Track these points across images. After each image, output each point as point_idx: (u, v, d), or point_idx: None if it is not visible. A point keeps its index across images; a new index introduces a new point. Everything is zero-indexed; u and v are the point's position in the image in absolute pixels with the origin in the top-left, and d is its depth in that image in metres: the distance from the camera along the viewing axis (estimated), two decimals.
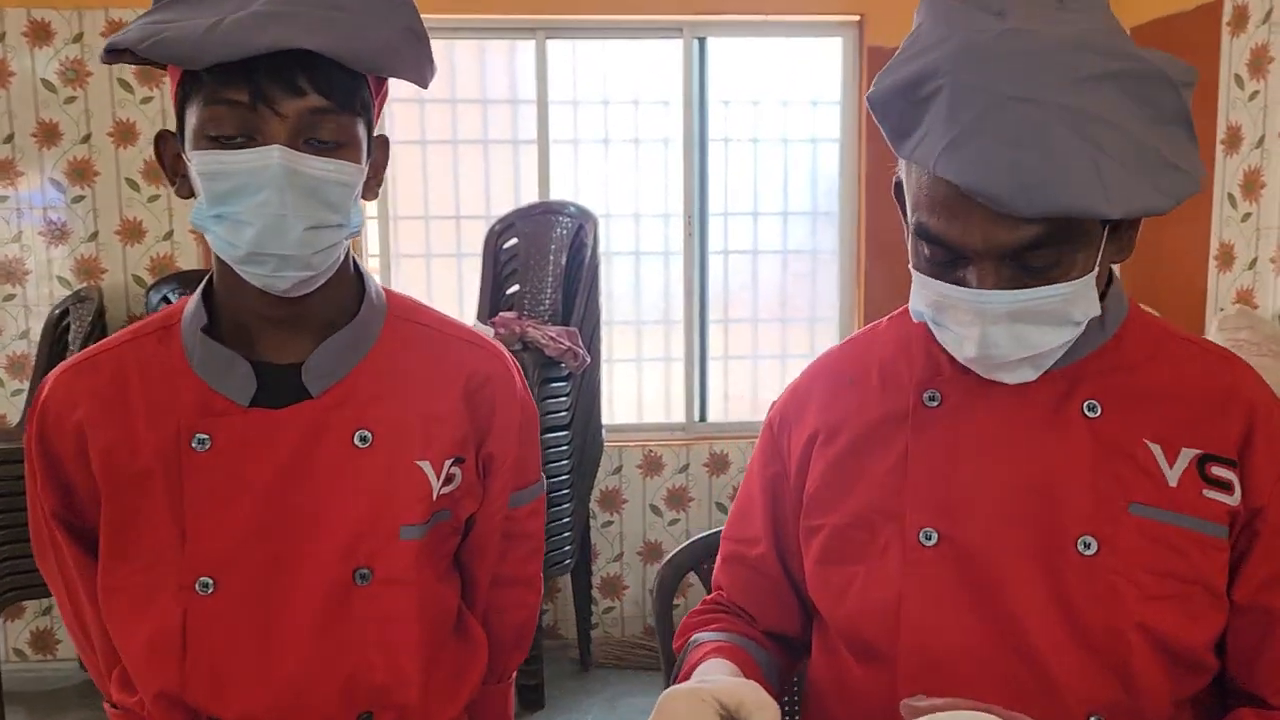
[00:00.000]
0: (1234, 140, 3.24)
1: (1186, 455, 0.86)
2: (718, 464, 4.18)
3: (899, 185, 0.95)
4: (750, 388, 4.38)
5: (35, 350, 3.91)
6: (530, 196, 4.15)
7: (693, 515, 4.23)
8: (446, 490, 1.00)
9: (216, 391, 0.97)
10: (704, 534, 2.36)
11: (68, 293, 3.93)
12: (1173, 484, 0.85)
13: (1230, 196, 3.27)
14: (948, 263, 0.87)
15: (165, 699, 0.96)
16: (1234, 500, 0.85)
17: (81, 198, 3.92)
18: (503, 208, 4.04)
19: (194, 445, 0.96)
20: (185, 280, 3.88)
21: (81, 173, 3.90)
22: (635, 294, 4.31)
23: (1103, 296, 0.91)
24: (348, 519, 0.96)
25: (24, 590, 3.63)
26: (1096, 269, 0.86)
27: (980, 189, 0.79)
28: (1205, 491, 0.85)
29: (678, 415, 4.34)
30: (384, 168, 1.04)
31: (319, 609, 0.96)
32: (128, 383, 1.00)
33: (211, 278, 1.03)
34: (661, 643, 2.34)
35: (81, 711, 3.76)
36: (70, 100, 3.87)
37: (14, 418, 3.94)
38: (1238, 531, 0.86)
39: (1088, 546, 0.85)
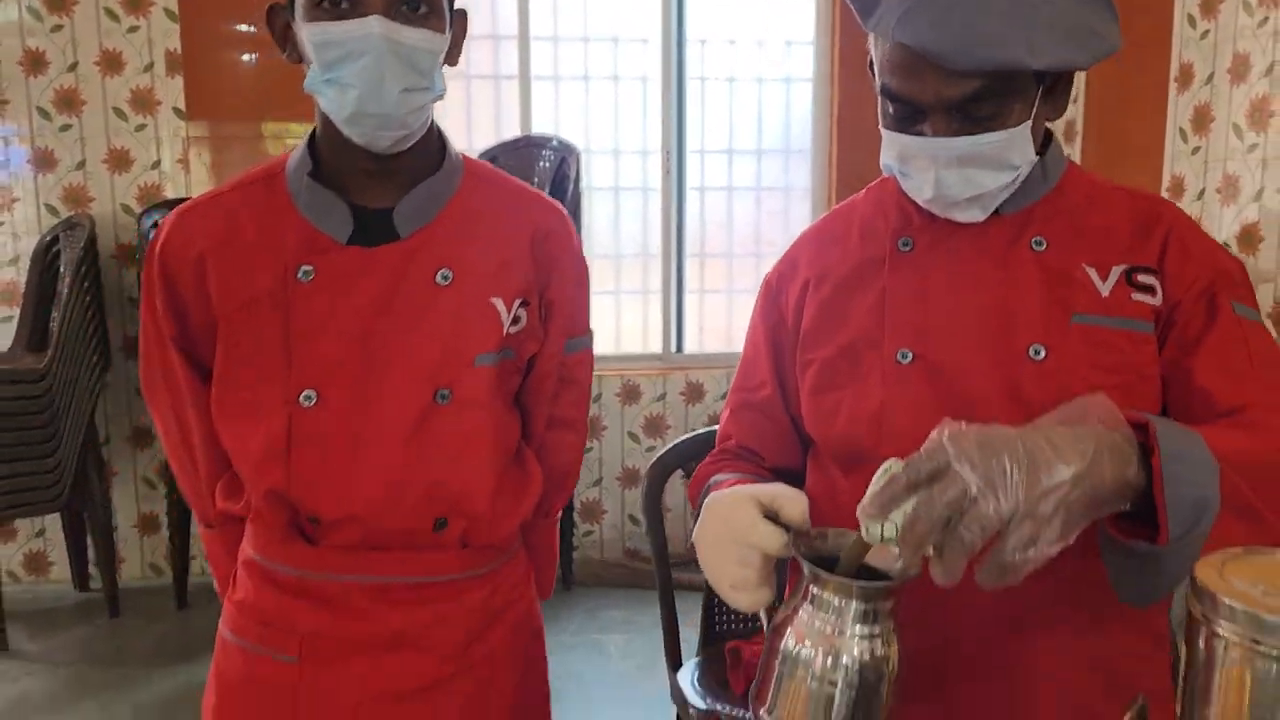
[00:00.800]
0: (1186, 78, 3.42)
1: (1116, 271, 1.03)
2: (693, 393, 4.35)
3: (870, 61, 1.10)
4: (725, 320, 4.55)
5: (24, 278, 3.97)
6: (512, 131, 4.25)
7: (669, 442, 4.40)
8: (514, 330, 1.13)
9: (319, 230, 1.10)
10: (688, 436, 2.53)
11: (55, 220, 3.98)
12: (1106, 294, 1.02)
13: (1181, 131, 3.46)
14: (907, 117, 1.03)
15: (273, 496, 1.09)
16: (1157, 301, 1.02)
17: (69, 126, 3.96)
18: (485, 142, 4.14)
19: (299, 276, 1.09)
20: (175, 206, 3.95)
21: (69, 101, 3.94)
22: (614, 228, 4.44)
23: (1043, 153, 1.08)
24: (430, 346, 1.09)
25: (21, 509, 3.73)
26: (1031, 120, 1.02)
27: (928, 48, 0.95)
28: (1133, 295, 1.02)
29: (655, 346, 4.49)
30: (463, 39, 1.16)
31: (405, 424, 1.09)
32: (240, 223, 1.12)
33: (314, 133, 1.15)
34: (651, 532, 2.50)
35: (81, 628, 3.88)
36: (56, 29, 3.90)
37: (4, 343, 4.00)
38: (1161, 326, 1.02)
39: (1038, 353, 1.01)
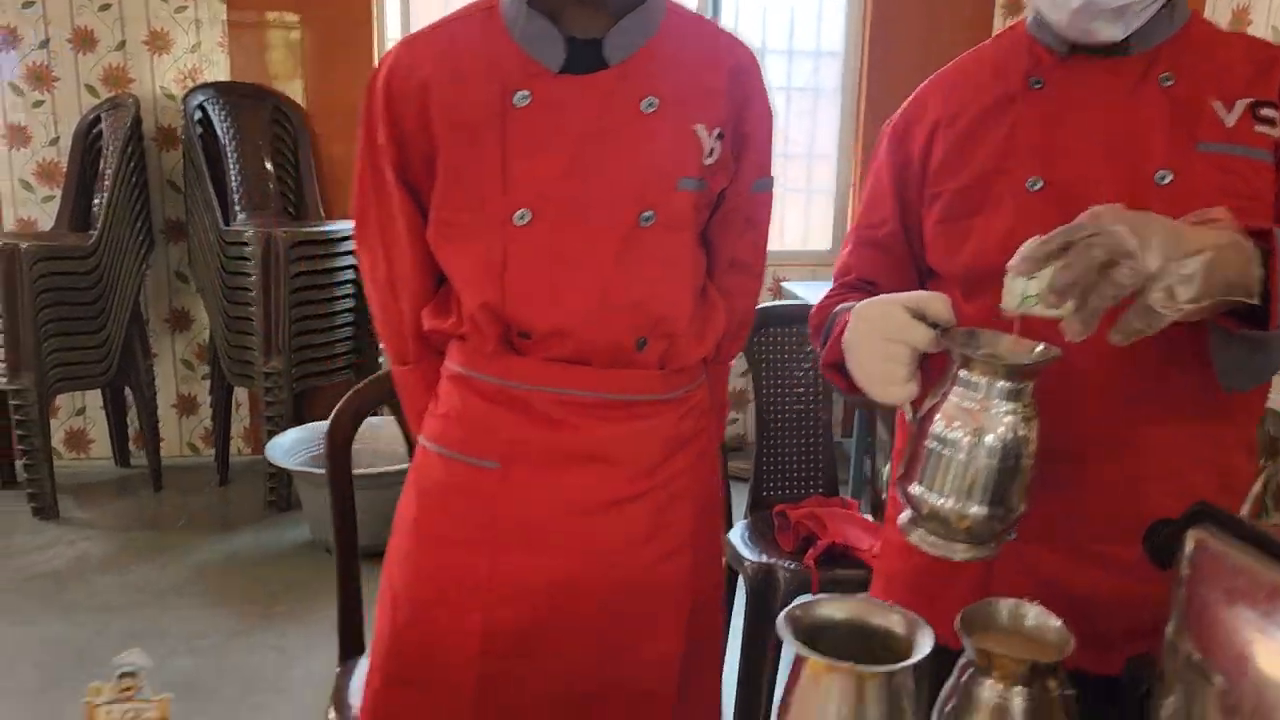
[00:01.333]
0: None
1: (1240, 104, 1.13)
2: None
3: None
4: None
5: (65, 158, 4.01)
6: None
7: None
8: (709, 161, 1.21)
9: (533, 58, 1.17)
10: None
11: (95, 101, 4.01)
12: (1230, 125, 1.12)
13: None
14: None
15: (487, 311, 1.18)
16: (1277, 132, 1.13)
17: (108, 6, 3.96)
18: None
19: (516, 102, 1.16)
20: (220, 90, 3.98)
21: None
22: None
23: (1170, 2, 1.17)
24: (636, 170, 1.17)
25: (71, 382, 3.84)
26: None
27: None
28: (1256, 128, 1.12)
29: None
30: None
31: (612, 244, 1.17)
32: (459, 51, 1.19)
33: None
34: None
35: (126, 500, 4.02)
36: None
37: (45, 223, 4.06)
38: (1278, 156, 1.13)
39: (1164, 178, 1.12)
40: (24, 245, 3.58)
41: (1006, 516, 1.06)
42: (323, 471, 3.47)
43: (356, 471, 3.50)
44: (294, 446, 3.66)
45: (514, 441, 1.20)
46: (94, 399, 4.29)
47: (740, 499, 2.69)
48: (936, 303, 1.06)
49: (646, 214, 1.17)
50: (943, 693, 1.05)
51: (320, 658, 2.77)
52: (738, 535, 2.53)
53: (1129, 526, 1.03)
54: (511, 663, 1.22)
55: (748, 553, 2.43)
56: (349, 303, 3.99)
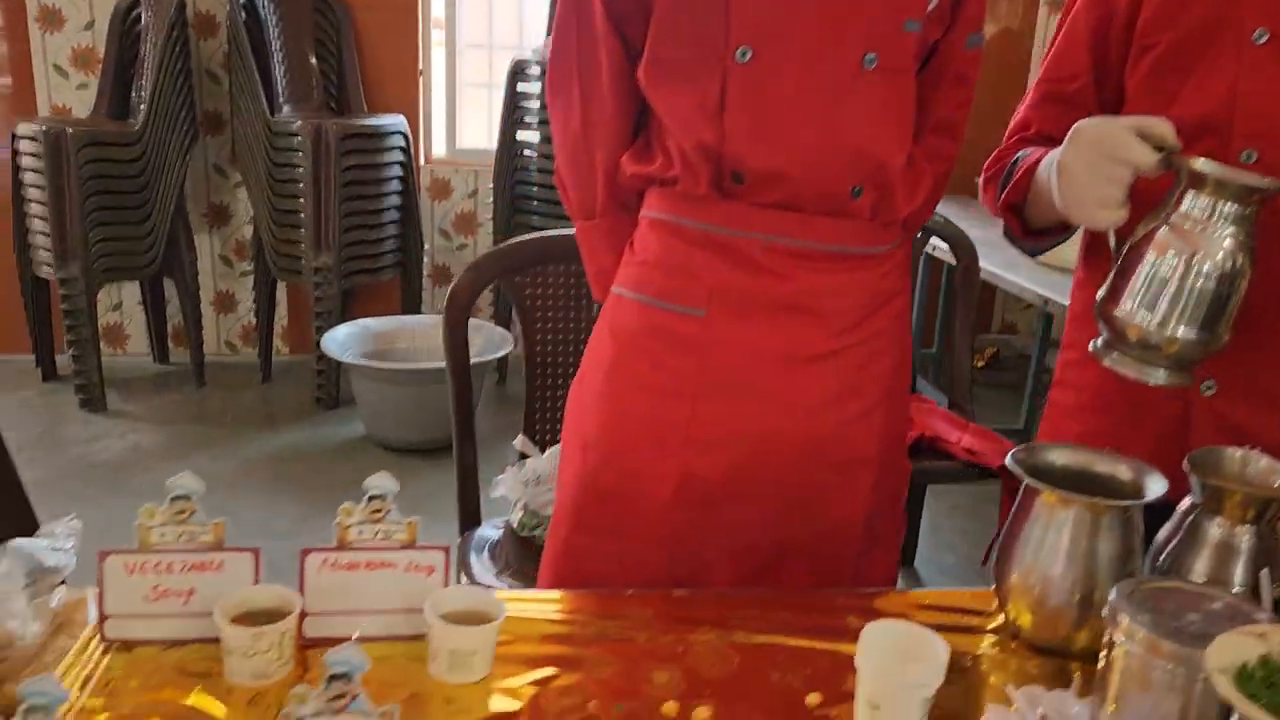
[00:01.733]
0: None
1: None
2: None
3: None
4: None
5: (101, 43, 3.89)
6: None
7: None
8: (931, 7, 1.17)
9: None
10: None
11: None
12: None
13: None
14: None
15: (702, 151, 1.16)
16: None
17: None
18: None
19: None
20: None
21: None
22: None
23: None
24: (863, 8, 1.13)
25: (117, 273, 3.79)
26: None
27: None
28: None
29: None
30: None
31: (834, 85, 1.14)
32: None
33: None
34: None
35: (170, 395, 4.00)
36: None
37: (80, 110, 3.96)
38: None
39: None
40: (70, 130, 3.50)
41: (1211, 344, 1.07)
42: (378, 365, 3.50)
43: (401, 365, 3.52)
44: (346, 342, 3.64)
45: (719, 288, 1.19)
46: (130, 294, 4.24)
47: None
48: (1161, 125, 1.05)
49: (870, 55, 1.14)
50: (1160, 536, 1.07)
51: None
52: None
53: None
54: (704, 512, 1.23)
55: None
56: (396, 199, 3.93)
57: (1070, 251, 1.36)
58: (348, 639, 0.98)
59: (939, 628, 1.07)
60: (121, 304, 4.28)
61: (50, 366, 4.03)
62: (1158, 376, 1.10)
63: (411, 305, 4.14)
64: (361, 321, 3.78)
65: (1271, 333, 1.16)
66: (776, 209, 1.17)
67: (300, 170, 3.67)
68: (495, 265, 1.95)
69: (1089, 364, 1.35)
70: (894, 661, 0.88)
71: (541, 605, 1.10)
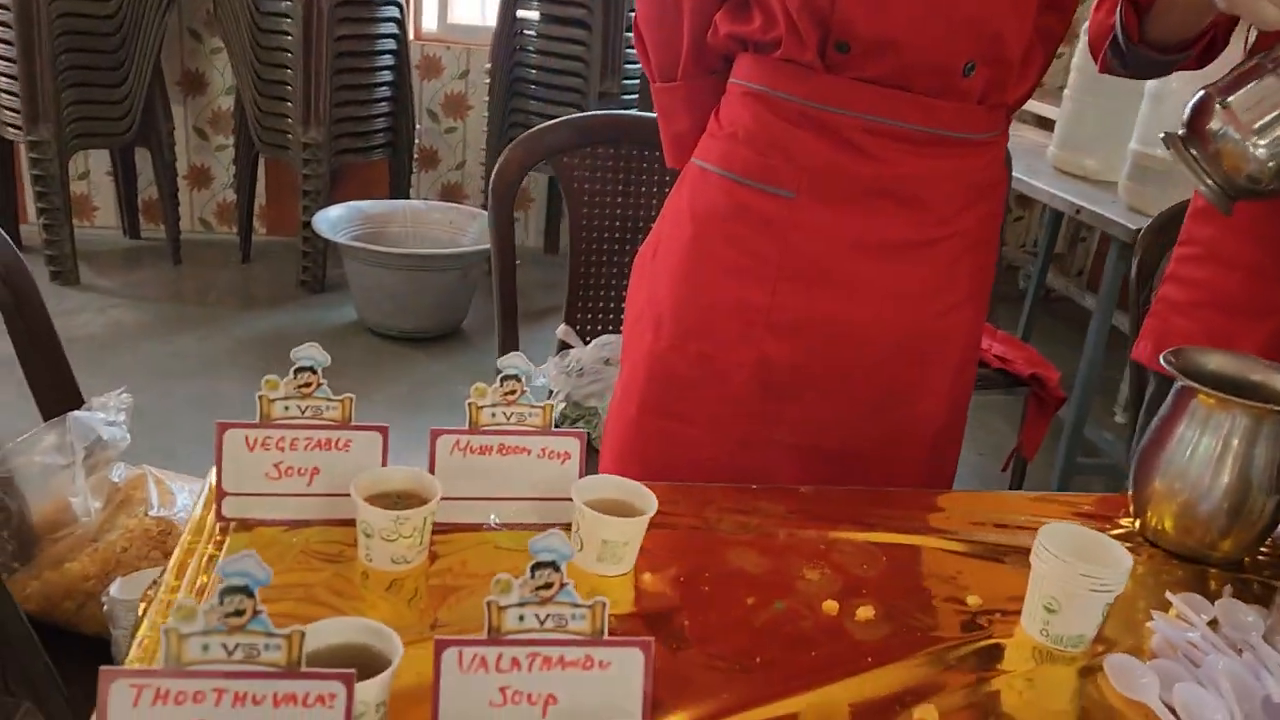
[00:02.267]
0: None
1: None
2: None
3: None
4: None
5: None
6: None
7: None
8: None
9: None
10: None
11: None
12: None
13: None
14: None
15: (810, 11, 1.05)
16: None
17: None
18: None
19: None
20: None
21: None
22: None
23: None
24: None
25: (92, 138, 3.57)
26: None
27: None
28: None
29: None
30: None
31: None
32: None
33: None
34: None
35: (146, 271, 3.83)
36: None
37: None
38: None
39: None
40: None
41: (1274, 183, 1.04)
42: (375, 249, 3.36)
43: (400, 250, 3.39)
44: (337, 223, 3.49)
45: (812, 170, 1.11)
46: (98, 164, 4.01)
47: None
48: None
49: None
50: None
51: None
52: None
53: None
54: (780, 404, 1.17)
55: None
56: (388, 75, 3.74)
57: (1083, 160, 1.29)
58: (479, 526, 0.92)
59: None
60: (89, 174, 4.05)
61: (14, 237, 3.81)
62: (1206, 184, 1.07)
63: (399, 189, 3.98)
64: (353, 203, 3.62)
65: None
66: (882, 86, 1.09)
67: (289, 39, 3.45)
68: (542, 142, 1.84)
69: (1205, 261, 1.32)
70: (1079, 563, 0.84)
71: (670, 495, 1.04)
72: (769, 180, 1.13)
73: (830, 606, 0.88)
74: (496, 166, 1.77)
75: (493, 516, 0.91)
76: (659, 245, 1.24)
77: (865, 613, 0.88)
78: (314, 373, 0.90)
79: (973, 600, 0.92)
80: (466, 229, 3.72)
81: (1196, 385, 1.00)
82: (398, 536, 0.84)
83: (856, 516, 1.03)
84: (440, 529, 0.90)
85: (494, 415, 0.91)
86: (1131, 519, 1.08)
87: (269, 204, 4.17)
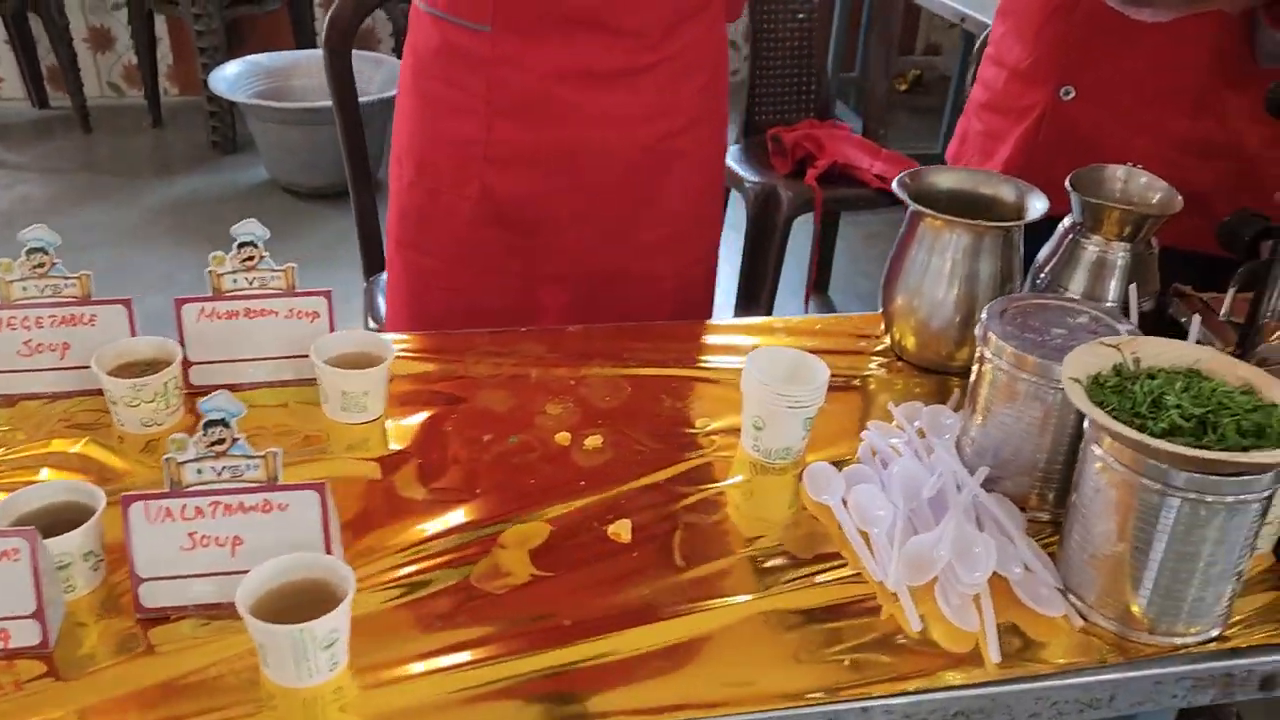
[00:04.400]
0: None
1: None
2: None
3: None
4: None
5: None
6: None
7: None
8: None
9: None
10: None
11: None
12: None
13: None
14: None
15: None
16: None
17: None
18: None
19: None
20: None
21: None
22: None
23: None
24: None
25: None
26: None
27: None
28: None
29: None
30: None
31: None
32: None
33: None
34: None
35: (55, 143, 3.77)
36: None
37: None
38: None
39: None
40: None
41: None
42: (277, 105, 3.31)
43: (297, 104, 3.33)
44: (236, 81, 3.42)
45: (506, 3, 1.12)
46: None
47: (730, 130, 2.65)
48: None
49: None
50: (1041, 254, 1.09)
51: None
52: (733, 157, 2.51)
53: None
54: (516, 235, 1.22)
55: (748, 174, 2.42)
56: None
57: None
58: (239, 386, 0.98)
59: (831, 352, 1.11)
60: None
61: None
62: None
63: (305, 39, 3.87)
64: (251, 58, 3.53)
65: (1131, 44, 1.15)
66: None
67: None
68: None
69: (990, 60, 1.34)
70: (777, 383, 0.90)
71: (435, 344, 1.10)
72: (464, 14, 1.15)
73: (562, 438, 0.95)
74: (329, 16, 1.74)
75: (245, 378, 0.97)
76: (399, 85, 1.27)
77: (594, 441, 0.95)
78: (255, 247, 0.94)
79: (701, 422, 0.99)
80: (374, 77, 3.64)
81: (922, 208, 1.04)
82: (140, 402, 0.90)
83: (611, 352, 1.09)
84: (198, 391, 0.96)
85: (235, 281, 0.95)
86: (884, 335, 1.15)
87: (176, 63, 4.07)
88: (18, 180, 3.45)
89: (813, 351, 0.95)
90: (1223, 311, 1.00)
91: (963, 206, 1.08)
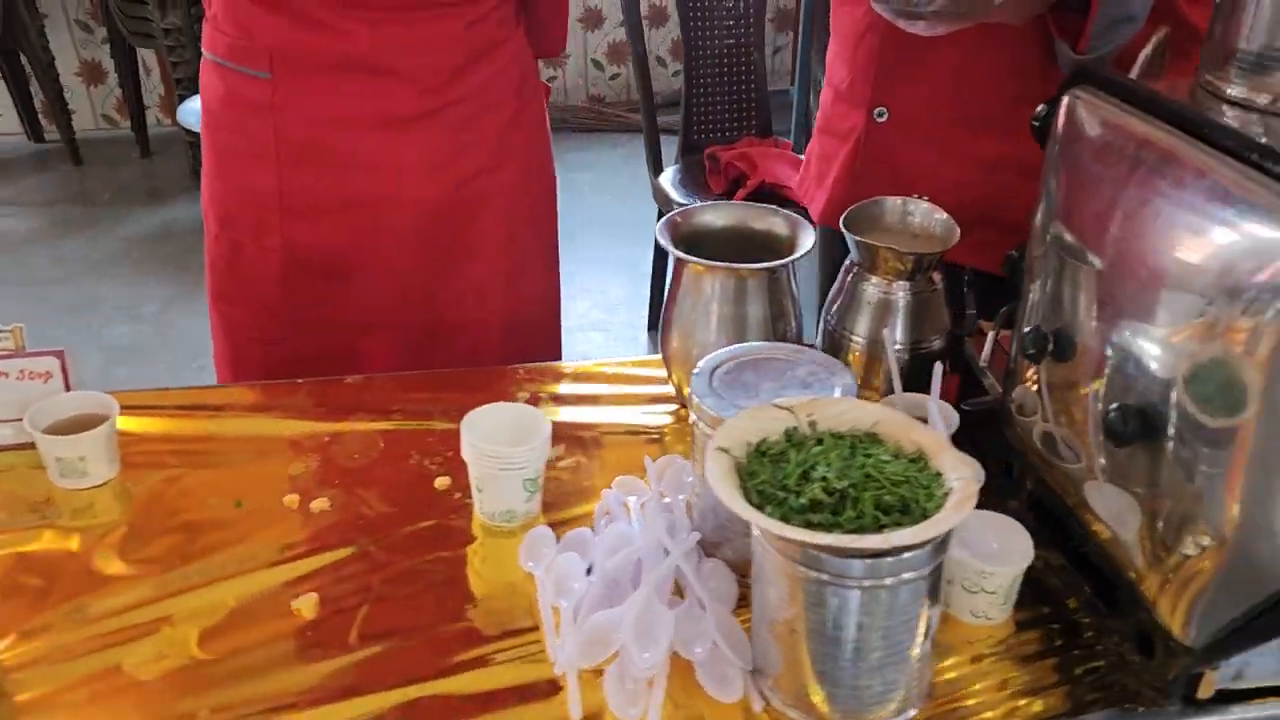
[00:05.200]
0: None
1: None
2: None
3: None
4: None
5: None
6: None
7: None
8: None
9: None
10: None
11: None
12: None
13: None
14: None
15: None
16: None
17: None
18: None
19: None
20: None
21: None
22: None
23: None
24: None
25: None
26: None
27: None
28: None
29: None
30: None
31: None
32: None
33: None
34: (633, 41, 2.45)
35: (46, 175, 3.85)
36: None
37: None
38: None
39: None
40: None
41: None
42: None
43: None
44: None
45: (280, 49, 1.10)
46: None
47: (670, 149, 2.61)
48: None
49: None
50: (830, 294, 1.03)
51: None
52: (668, 179, 2.47)
53: None
54: (323, 284, 1.19)
55: (677, 195, 2.37)
56: None
57: None
58: None
59: (624, 398, 1.07)
60: None
61: None
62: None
63: None
64: None
65: (933, 63, 1.09)
66: None
67: None
68: None
69: (827, 84, 1.28)
70: (489, 444, 0.86)
71: (197, 399, 1.07)
72: (244, 62, 1.12)
73: (291, 500, 0.92)
74: None
75: None
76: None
77: (320, 504, 0.92)
78: None
79: (441, 482, 0.95)
80: None
81: (681, 254, 0.99)
82: None
83: (379, 404, 1.06)
84: None
85: None
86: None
87: (165, 94, 4.14)
88: (3, 215, 3.53)
89: (611, 400, 0.90)
90: (983, 356, 0.93)
91: (739, 244, 1.03)
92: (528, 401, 1.06)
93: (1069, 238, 0.75)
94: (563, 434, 1.00)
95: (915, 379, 0.95)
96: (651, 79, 2.47)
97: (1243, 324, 0.58)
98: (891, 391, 0.94)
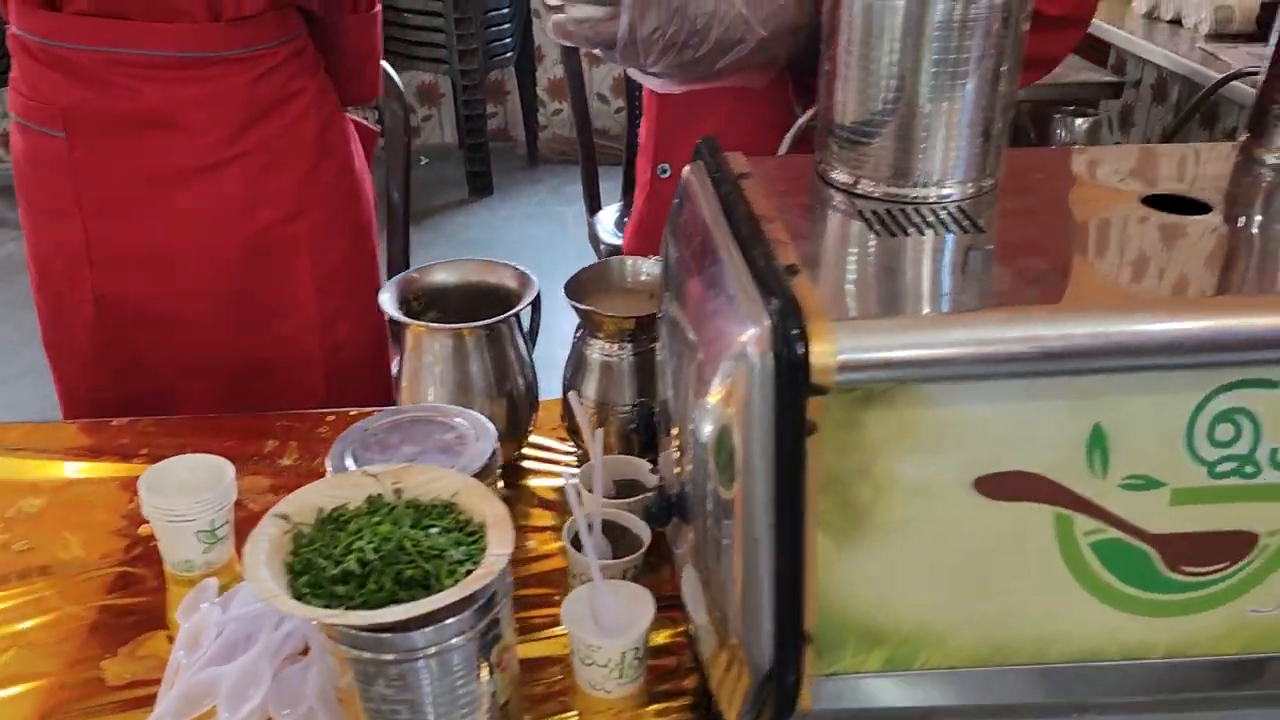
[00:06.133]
0: None
1: None
2: None
3: None
4: None
5: None
6: None
7: None
8: None
9: None
10: None
11: None
12: None
13: None
14: None
15: None
16: None
17: None
18: None
19: None
20: None
21: None
22: None
23: None
24: None
25: None
26: None
27: None
28: None
29: None
30: None
31: None
32: None
33: None
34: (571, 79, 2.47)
35: None
36: None
37: None
38: None
39: None
40: None
41: None
42: None
43: None
44: None
45: (71, 108, 1.14)
46: None
47: (614, 184, 2.61)
48: None
49: None
50: (567, 357, 1.03)
51: None
52: (606, 218, 2.48)
53: None
54: (136, 332, 1.22)
55: (606, 236, 2.38)
56: None
57: None
58: None
59: None
60: None
61: None
62: None
63: None
64: None
65: (699, 122, 1.07)
66: (99, 17, 1.10)
67: None
68: None
69: None
70: (149, 497, 0.87)
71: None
72: (40, 121, 1.16)
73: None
74: None
75: None
76: None
77: (22, 545, 0.94)
78: None
79: (146, 529, 0.96)
80: None
81: (401, 317, 0.98)
82: None
83: (126, 450, 1.08)
84: None
85: None
86: None
87: None
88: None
89: None
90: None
91: (475, 299, 1.03)
92: (274, 450, 1.08)
93: (673, 311, 0.74)
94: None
95: (653, 439, 0.94)
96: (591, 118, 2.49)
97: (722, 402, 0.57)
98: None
